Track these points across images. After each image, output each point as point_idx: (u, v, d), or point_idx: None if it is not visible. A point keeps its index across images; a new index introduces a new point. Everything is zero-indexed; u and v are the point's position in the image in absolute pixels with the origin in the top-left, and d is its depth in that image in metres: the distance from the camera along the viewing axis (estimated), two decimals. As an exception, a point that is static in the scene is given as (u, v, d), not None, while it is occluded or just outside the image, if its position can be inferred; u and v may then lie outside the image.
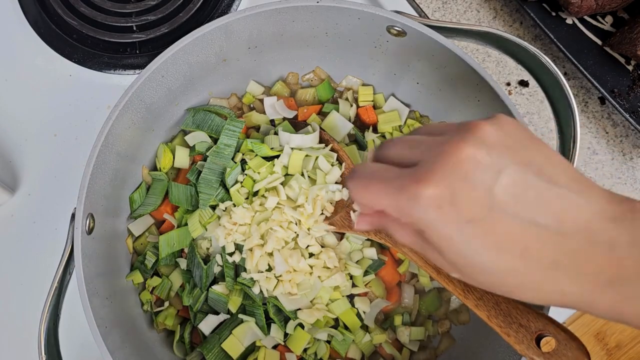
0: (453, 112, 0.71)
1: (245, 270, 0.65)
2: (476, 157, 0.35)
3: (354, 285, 0.67)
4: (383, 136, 0.73)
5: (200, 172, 0.67)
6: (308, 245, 0.65)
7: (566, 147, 0.61)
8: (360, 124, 0.74)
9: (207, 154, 0.68)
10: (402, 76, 0.72)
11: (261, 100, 0.74)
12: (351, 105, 0.74)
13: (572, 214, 0.35)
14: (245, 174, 0.66)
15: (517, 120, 0.39)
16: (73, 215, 0.58)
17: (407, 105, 0.74)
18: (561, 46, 0.77)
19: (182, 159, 0.70)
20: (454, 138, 0.36)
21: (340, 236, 0.67)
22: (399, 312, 0.69)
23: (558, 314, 0.74)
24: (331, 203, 0.65)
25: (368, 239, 0.68)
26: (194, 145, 0.70)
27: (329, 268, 0.65)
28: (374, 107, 0.74)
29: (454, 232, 0.35)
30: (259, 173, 0.66)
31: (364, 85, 0.75)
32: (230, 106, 0.73)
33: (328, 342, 0.67)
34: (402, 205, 0.36)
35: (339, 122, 0.72)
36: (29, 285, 0.73)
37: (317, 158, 0.67)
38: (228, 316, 0.66)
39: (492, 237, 0.34)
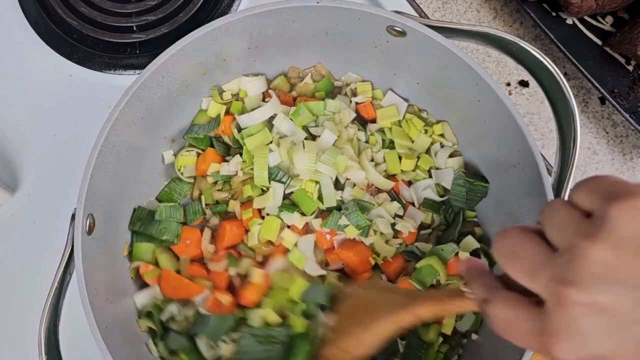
0: (453, 112, 0.71)
1: None
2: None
3: None
4: (382, 130, 0.73)
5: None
6: None
7: (566, 147, 0.61)
8: (361, 120, 0.74)
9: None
10: (402, 76, 0.72)
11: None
12: (350, 102, 0.74)
13: None
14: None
15: None
16: (73, 216, 0.58)
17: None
18: (561, 46, 0.77)
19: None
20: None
21: None
22: None
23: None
24: None
25: None
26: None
27: None
28: (373, 103, 0.74)
29: None
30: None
31: (362, 81, 0.74)
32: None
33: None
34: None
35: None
36: (29, 285, 0.73)
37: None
38: None
39: None
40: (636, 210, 0.31)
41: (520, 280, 0.35)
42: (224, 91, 0.73)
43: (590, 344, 0.32)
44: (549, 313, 0.33)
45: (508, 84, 0.83)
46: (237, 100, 0.73)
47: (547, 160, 0.80)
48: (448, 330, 0.67)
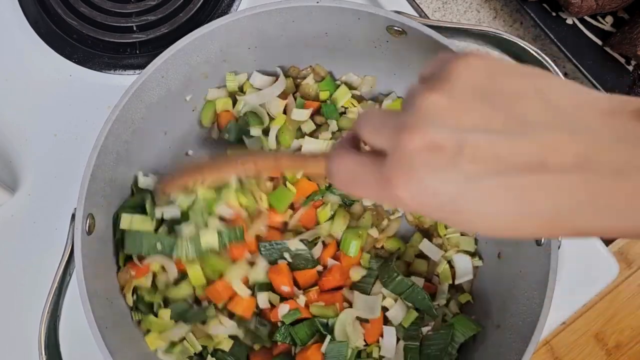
0: (453, 112, 0.71)
1: None
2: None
3: None
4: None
5: None
6: None
7: (566, 147, 0.61)
8: None
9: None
10: (402, 76, 0.72)
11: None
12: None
13: (560, 149, 0.32)
14: None
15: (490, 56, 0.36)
16: (73, 216, 0.58)
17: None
18: (561, 46, 0.77)
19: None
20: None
21: None
22: None
23: (559, 313, 0.74)
24: None
25: None
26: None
27: None
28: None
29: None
30: None
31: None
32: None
33: None
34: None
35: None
36: (29, 285, 0.73)
37: None
38: None
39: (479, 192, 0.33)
40: (468, 66, 0.34)
41: (370, 138, 0.37)
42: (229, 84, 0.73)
43: (423, 178, 0.33)
44: (389, 157, 0.35)
45: (508, 84, 0.83)
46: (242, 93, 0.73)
47: (547, 160, 0.80)
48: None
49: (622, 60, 0.79)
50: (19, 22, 0.80)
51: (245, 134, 0.71)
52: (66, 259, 0.58)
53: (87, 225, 0.58)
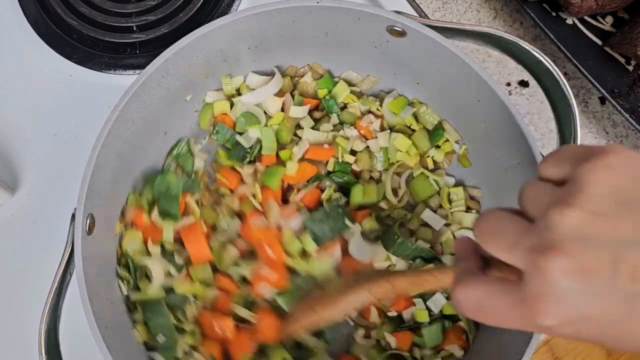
0: (453, 112, 0.71)
1: None
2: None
3: None
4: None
5: None
6: None
7: (566, 147, 0.61)
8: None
9: None
10: (402, 76, 0.72)
11: None
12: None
13: None
14: None
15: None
16: (73, 216, 0.58)
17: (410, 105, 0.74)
18: (561, 46, 0.77)
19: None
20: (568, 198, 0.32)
21: None
22: None
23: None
24: None
25: None
26: None
27: None
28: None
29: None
30: None
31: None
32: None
33: None
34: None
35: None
36: (29, 285, 0.73)
37: None
38: None
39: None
40: (606, 167, 0.32)
41: (499, 255, 0.35)
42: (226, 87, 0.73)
43: (576, 305, 0.31)
44: (527, 281, 0.32)
45: (508, 84, 0.83)
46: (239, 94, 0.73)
47: (547, 160, 0.80)
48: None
49: (622, 60, 0.79)
50: (19, 22, 0.80)
51: (238, 133, 0.72)
52: (66, 259, 0.58)
53: (87, 225, 0.58)
